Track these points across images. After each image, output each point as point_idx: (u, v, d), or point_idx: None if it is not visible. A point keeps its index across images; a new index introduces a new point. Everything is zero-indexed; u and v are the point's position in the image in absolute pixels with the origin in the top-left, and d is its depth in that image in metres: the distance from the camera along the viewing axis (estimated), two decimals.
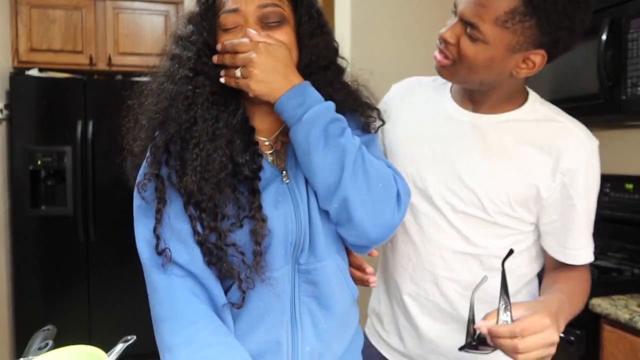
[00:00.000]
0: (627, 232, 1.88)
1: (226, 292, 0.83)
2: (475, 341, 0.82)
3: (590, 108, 1.61)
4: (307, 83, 0.81)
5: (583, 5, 0.86)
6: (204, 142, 0.80)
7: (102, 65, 3.33)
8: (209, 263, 0.80)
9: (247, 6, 0.81)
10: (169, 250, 0.80)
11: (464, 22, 0.87)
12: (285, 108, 0.80)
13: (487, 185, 0.96)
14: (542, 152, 0.94)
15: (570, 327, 1.48)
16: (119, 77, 3.40)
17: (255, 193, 0.81)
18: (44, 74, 3.19)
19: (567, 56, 1.69)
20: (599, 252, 1.82)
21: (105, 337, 3.40)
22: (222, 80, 0.82)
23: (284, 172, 0.86)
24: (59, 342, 0.90)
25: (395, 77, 2.58)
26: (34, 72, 3.18)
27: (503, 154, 0.95)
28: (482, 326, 0.80)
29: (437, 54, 0.95)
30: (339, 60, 0.91)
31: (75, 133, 3.14)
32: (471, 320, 0.84)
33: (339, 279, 0.88)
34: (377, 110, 0.94)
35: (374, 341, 1.16)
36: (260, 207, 0.81)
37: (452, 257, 1.00)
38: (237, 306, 0.81)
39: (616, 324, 1.39)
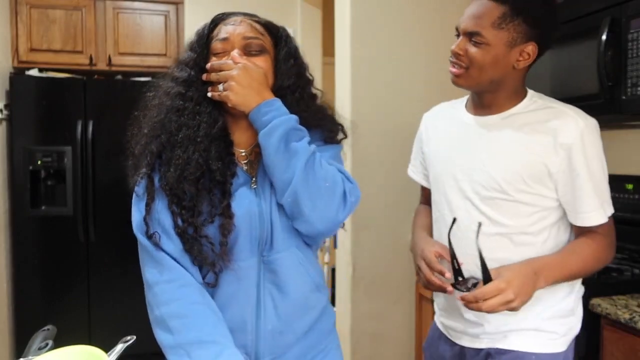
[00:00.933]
0: (627, 232, 1.88)
1: (204, 276, 1.00)
2: (460, 279, 1.11)
3: (590, 108, 1.60)
4: (277, 99, 1.00)
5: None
6: (186, 145, 0.99)
7: (102, 65, 3.33)
8: (186, 251, 0.98)
9: (235, 36, 1.03)
10: (157, 234, 0.98)
11: (468, 34, 1.11)
12: (256, 117, 0.98)
13: (503, 169, 1.14)
14: (543, 133, 1.11)
15: None
16: (119, 77, 3.40)
17: (225, 194, 0.99)
18: (44, 74, 3.19)
19: (567, 56, 1.70)
20: None
21: (105, 337, 3.41)
22: (209, 94, 1.01)
23: (254, 178, 1.05)
24: (59, 342, 0.90)
25: (395, 77, 2.57)
26: (34, 72, 3.18)
27: (511, 142, 1.14)
28: (457, 296, 1.09)
29: (451, 68, 1.17)
30: (311, 89, 1.13)
31: (75, 133, 3.14)
32: (453, 256, 1.12)
33: (298, 269, 1.04)
34: (341, 125, 1.14)
35: (442, 328, 1.34)
36: (229, 206, 0.99)
37: (486, 239, 1.14)
38: (211, 285, 1.00)
39: (616, 324, 1.39)
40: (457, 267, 1.11)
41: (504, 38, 1.09)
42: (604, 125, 1.94)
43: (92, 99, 3.18)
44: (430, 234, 1.33)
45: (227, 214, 0.98)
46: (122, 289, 3.24)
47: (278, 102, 1.00)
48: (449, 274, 1.13)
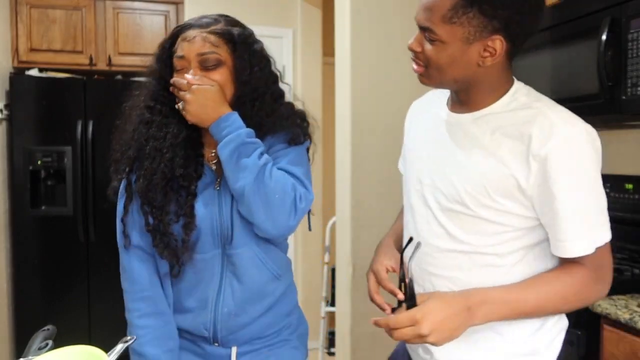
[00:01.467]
0: (627, 232, 1.88)
1: (172, 267, 1.13)
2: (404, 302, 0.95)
3: (590, 108, 1.61)
4: (233, 113, 1.08)
5: None
6: (153, 156, 1.11)
7: (102, 65, 3.33)
8: (155, 246, 1.12)
9: (190, 53, 1.08)
10: (130, 235, 1.16)
11: (421, 29, 0.95)
12: (213, 132, 1.08)
13: (465, 179, 0.98)
14: (515, 140, 0.93)
15: (571, 327, 1.48)
16: (119, 77, 3.40)
17: (189, 197, 1.12)
18: (44, 74, 3.19)
19: (567, 56, 1.70)
20: None
21: (105, 337, 3.40)
22: (176, 106, 1.11)
23: (218, 179, 1.14)
24: (59, 342, 0.90)
25: (395, 77, 2.57)
26: (34, 72, 3.18)
27: (480, 147, 0.97)
28: (380, 322, 0.93)
29: (413, 64, 1.01)
30: (276, 89, 1.18)
31: (75, 133, 3.14)
32: (401, 280, 1.00)
33: (254, 262, 1.14)
34: (304, 128, 1.19)
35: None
36: (192, 207, 1.11)
37: (442, 255, 1.02)
38: (175, 276, 1.15)
39: (616, 324, 1.39)
40: (403, 289, 0.98)
41: (457, 33, 0.90)
42: (604, 125, 1.95)
43: (92, 99, 3.18)
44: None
45: (190, 214, 1.11)
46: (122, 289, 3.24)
47: (233, 116, 1.08)
48: (401, 295, 0.99)
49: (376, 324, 0.93)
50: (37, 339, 0.91)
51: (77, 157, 3.15)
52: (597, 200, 0.93)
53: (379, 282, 1.10)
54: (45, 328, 0.94)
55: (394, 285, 1.03)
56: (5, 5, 3.13)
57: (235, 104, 1.11)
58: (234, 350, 1.17)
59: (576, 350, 1.46)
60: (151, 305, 1.15)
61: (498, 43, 0.91)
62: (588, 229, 0.92)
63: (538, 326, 0.99)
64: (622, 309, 1.37)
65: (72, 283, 3.20)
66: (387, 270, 1.11)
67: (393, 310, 1.01)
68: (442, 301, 0.90)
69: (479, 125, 0.98)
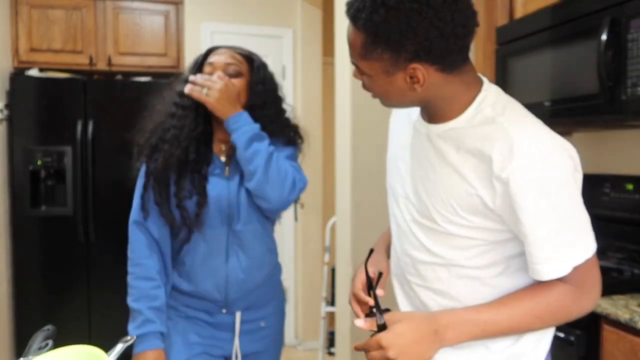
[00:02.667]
0: (627, 232, 1.88)
1: (181, 236, 1.40)
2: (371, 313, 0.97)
3: (590, 108, 1.61)
4: (245, 112, 1.36)
5: (425, 10, 0.82)
6: (171, 142, 1.35)
7: (102, 65, 3.33)
8: (164, 216, 1.37)
9: (218, 62, 1.39)
10: (148, 209, 1.38)
11: (352, 63, 0.96)
12: (230, 122, 1.34)
13: (434, 196, 0.96)
14: (477, 159, 0.89)
15: (570, 327, 1.48)
16: (119, 77, 3.40)
17: (201, 179, 1.37)
18: (44, 74, 3.19)
19: (567, 56, 1.70)
20: (599, 252, 1.83)
21: (105, 337, 3.41)
22: (185, 90, 1.35)
23: (227, 167, 1.42)
24: (59, 342, 0.90)
25: None
26: (34, 72, 3.18)
27: (447, 164, 0.94)
28: (357, 346, 0.94)
29: None
30: (280, 107, 1.49)
31: (75, 133, 3.14)
32: (370, 286, 1.02)
33: (256, 236, 1.42)
34: (297, 133, 1.49)
35: None
36: (204, 187, 1.37)
37: (422, 267, 1.01)
38: (185, 242, 1.40)
39: (616, 324, 1.39)
40: (374, 299, 0.99)
41: (376, 67, 0.90)
42: (604, 125, 1.95)
43: (92, 99, 3.18)
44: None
45: (202, 193, 1.36)
46: (122, 289, 3.22)
47: (246, 114, 1.36)
48: (371, 301, 1.01)
49: (355, 348, 0.95)
50: (37, 339, 0.91)
51: (77, 157, 3.15)
52: (571, 219, 0.88)
53: (353, 291, 1.10)
54: (45, 328, 0.94)
55: (368, 298, 1.05)
56: (5, 5, 3.13)
57: (247, 108, 1.39)
58: (238, 315, 1.43)
59: (576, 350, 1.46)
60: (143, 271, 1.39)
61: (419, 72, 0.87)
62: (561, 250, 0.87)
63: (516, 337, 0.97)
64: (622, 309, 1.37)
65: (72, 283, 3.20)
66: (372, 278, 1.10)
67: (367, 315, 1.03)
68: (410, 325, 0.89)
69: (445, 140, 0.95)
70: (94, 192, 3.19)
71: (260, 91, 1.42)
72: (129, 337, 0.90)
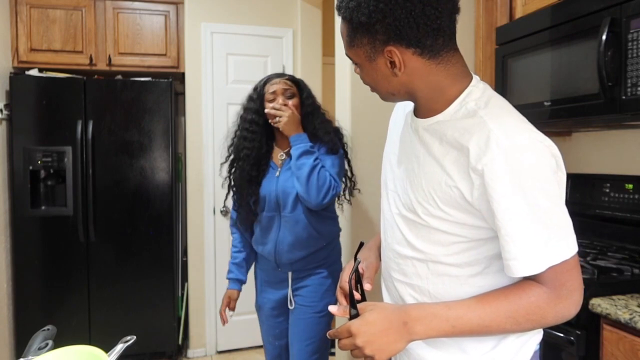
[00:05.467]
0: (627, 232, 1.88)
1: (251, 219, 2.01)
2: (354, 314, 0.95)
3: (590, 108, 1.61)
4: (303, 133, 1.87)
5: None
6: (243, 159, 1.93)
7: (102, 65, 3.33)
8: (238, 211, 2.02)
9: (278, 90, 1.89)
10: (240, 213, 2.01)
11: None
12: (293, 139, 1.86)
13: (417, 188, 0.97)
14: (457, 151, 0.90)
15: (570, 327, 1.48)
16: (119, 77, 3.40)
17: (257, 185, 1.94)
18: (44, 74, 3.19)
19: (567, 56, 1.70)
20: (600, 252, 1.84)
21: (105, 337, 3.41)
22: (271, 121, 1.90)
23: (279, 170, 1.94)
24: (59, 342, 0.90)
25: None
26: (34, 72, 3.18)
27: (431, 156, 0.95)
28: (330, 333, 0.95)
29: None
30: (323, 115, 1.97)
31: (75, 133, 3.14)
32: (358, 280, 1.08)
33: (299, 223, 1.89)
34: (338, 140, 1.96)
35: None
36: (258, 192, 1.94)
37: (403, 261, 1.03)
38: (255, 221, 2.01)
39: (616, 324, 1.39)
40: (359, 292, 1.02)
41: (361, 55, 0.95)
42: (604, 125, 1.95)
43: (92, 99, 3.18)
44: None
45: (257, 195, 1.93)
46: (122, 289, 3.24)
47: (304, 135, 1.86)
48: (358, 296, 1.03)
49: (328, 335, 0.96)
50: (37, 339, 0.91)
51: (77, 157, 3.15)
52: (547, 217, 0.84)
53: (340, 284, 1.13)
54: (45, 328, 0.94)
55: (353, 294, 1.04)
56: (5, 5, 3.13)
57: (300, 120, 1.89)
58: (290, 274, 1.96)
59: (576, 350, 1.46)
60: (232, 240, 2.13)
61: (394, 54, 0.90)
62: (535, 247, 0.85)
63: (498, 339, 0.96)
64: (622, 309, 1.37)
65: (72, 283, 3.20)
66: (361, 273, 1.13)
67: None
68: (380, 314, 0.90)
69: (430, 133, 0.97)
70: (94, 192, 3.19)
71: (309, 104, 1.93)
72: (128, 337, 0.90)
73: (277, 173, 1.92)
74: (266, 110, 1.88)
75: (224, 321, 2.05)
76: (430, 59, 0.91)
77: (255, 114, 1.91)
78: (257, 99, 1.92)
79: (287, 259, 1.91)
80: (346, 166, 2.02)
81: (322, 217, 1.93)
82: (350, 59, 0.99)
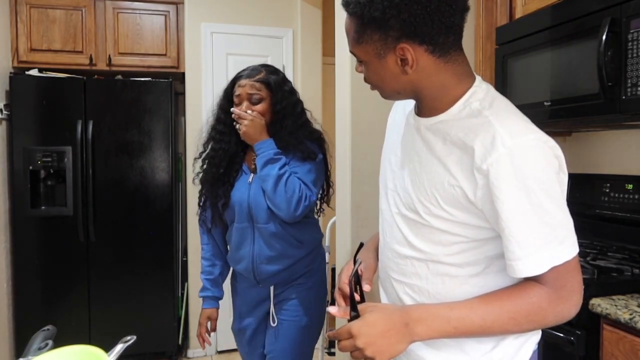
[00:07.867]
0: (627, 232, 1.88)
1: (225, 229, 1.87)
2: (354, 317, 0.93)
3: (590, 108, 1.61)
4: (269, 139, 1.70)
5: None
6: (211, 159, 1.79)
7: (102, 65, 3.34)
8: (206, 212, 1.86)
9: (243, 94, 1.72)
10: (204, 213, 1.87)
11: (351, 53, 0.99)
12: (256, 148, 1.70)
13: (418, 188, 0.97)
14: (461, 150, 0.89)
15: (570, 327, 1.48)
16: (119, 77, 3.40)
17: (228, 186, 1.78)
18: (44, 74, 3.19)
19: (567, 56, 1.70)
20: (598, 252, 1.84)
21: (105, 337, 3.41)
22: (237, 127, 1.72)
23: (252, 175, 1.77)
24: (59, 342, 0.90)
25: None
26: (34, 72, 3.18)
27: (433, 156, 0.95)
28: (329, 334, 0.94)
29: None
30: (301, 117, 1.78)
31: (75, 133, 3.14)
32: (357, 282, 1.06)
33: (274, 233, 1.72)
34: (318, 145, 1.78)
35: None
36: (229, 193, 1.77)
37: (402, 261, 1.02)
38: (225, 232, 1.87)
39: (616, 324, 1.38)
40: (358, 293, 1.01)
41: (370, 52, 0.92)
42: (604, 125, 1.95)
43: (92, 99, 3.18)
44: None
45: (227, 197, 1.77)
46: (122, 289, 3.24)
47: (269, 141, 1.69)
48: (357, 297, 1.01)
49: (328, 336, 0.94)
50: (37, 339, 0.91)
51: (77, 157, 3.15)
52: (550, 217, 0.84)
53: (339, 285, 1.13)
54: (45, 328, 0.94)
55: (348, 288, 1.06)
56: (5, 5, 3.13)
57: (271, 124, 1.72)
58: (272, 288, 1.80)
59: (576, 350, 1.46)
60: (203, 253, 1.92)
61: (408, 52, 0.88)
62: (538, 247, 0.85)
63: (494, 344, 0.96)
64: (622, 309, 1.37)
65: (72, 283, 3.20)
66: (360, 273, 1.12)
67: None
68: (381, 316, 0.89)
69: (433, 132, 0.96)
70: (94, 192, 3.19)
71: (279, 110, 1.73)
72: (128, 337, 0.90)
73: (250, 179, 1.76)
74: (232, 114, 1.74)
75: (205, 343, 1.88)
76: (440, 57, 0.90)
77: (225, 113, 1.78)
78: (224, 98, 1.79)
79: (267, 273, 1.75)
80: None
81: (302, 223, 1.76)
82: (356, 56, 0.96)
